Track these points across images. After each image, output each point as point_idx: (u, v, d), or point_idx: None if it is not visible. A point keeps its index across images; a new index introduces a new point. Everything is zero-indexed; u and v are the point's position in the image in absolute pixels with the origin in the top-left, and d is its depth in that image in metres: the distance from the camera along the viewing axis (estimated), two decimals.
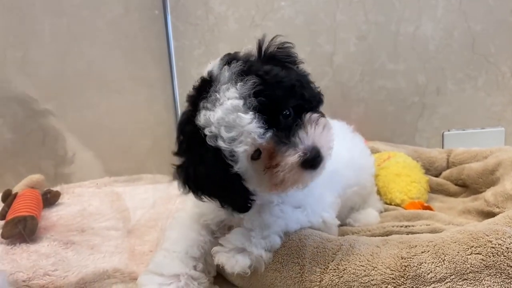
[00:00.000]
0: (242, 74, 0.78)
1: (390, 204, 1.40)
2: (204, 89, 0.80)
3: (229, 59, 0.81)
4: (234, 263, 0.85)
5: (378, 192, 1.42)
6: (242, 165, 0.78)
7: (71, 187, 1.70)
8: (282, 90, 0.79)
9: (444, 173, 1.59)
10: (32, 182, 1.54)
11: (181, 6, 1.86)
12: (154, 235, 1.29)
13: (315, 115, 0.83)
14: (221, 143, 0.76)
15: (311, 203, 0.95)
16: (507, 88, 1.95)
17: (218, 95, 0.77)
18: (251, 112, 0.75)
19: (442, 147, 1.96)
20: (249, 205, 0.84)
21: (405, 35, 1.90)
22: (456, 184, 1.53)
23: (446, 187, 1.53)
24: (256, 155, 0.79)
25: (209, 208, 0.95)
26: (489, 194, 1.24)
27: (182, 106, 1.92)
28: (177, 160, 0.84)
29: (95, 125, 1.91)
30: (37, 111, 1.85)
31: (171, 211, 1.42)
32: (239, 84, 0.76)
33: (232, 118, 0.75)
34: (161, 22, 1.86)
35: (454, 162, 1.60)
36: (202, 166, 0.79)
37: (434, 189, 1.52)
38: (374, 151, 1.62)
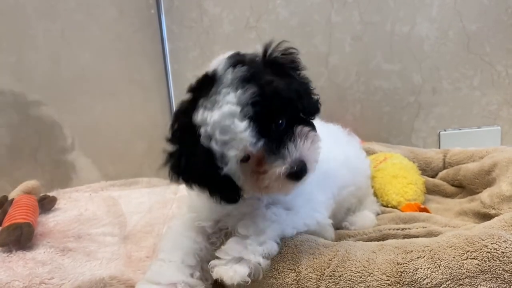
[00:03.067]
0: (244, 81, 0.80)
1: (387, 206, 1.40)
2: (206, 86, 0.81)
3: (235, 61, 0.83)
4: (232, 274, 0.84)
5: (375, 194, 1.42)
6: (231, 167, 0.80)
7: (67, 192, 1.70)
8: (279, 102, 0.81)
9: (441, 174, 1.59)
10: (28, 188, 1.54)
11: (176, 9, 1.86)
12: (151, 241, 1.29)
13: (306, 129, 0.85)
14: (213, 145, 0.78)
15: (302, 204, 0.96)
16: (503, 87, 1.96)
17: (218, 97, 0.79)
18: (246, 121, 0.77)
19: (439, 147, 1.97)
20: (237, 197, 0.86)
21: (400, 35, 1.90)
22: (452, 185, 1.53)
23: (443, 188, 1.53)
24: (245, 158, 0.82)
25: (202, 209, 0.96)
26: (485, 195, 1.24)
27: None
28: (168, 146, 0.85)
29: (90, 128, 1.91)
30: (32, 115, 1.85)
31: (167, 216, 1.42)
32: (239, 91, 0.78)
33: (227, 123, 0.77)
34: (155, 24, 1.86)
35: (451, 163, 1.60)
36: (193, 159, 0.81)
37: (430, 190, 1.52)
38: (370, 152, 1.62)
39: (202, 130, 0.78)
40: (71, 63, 1.85)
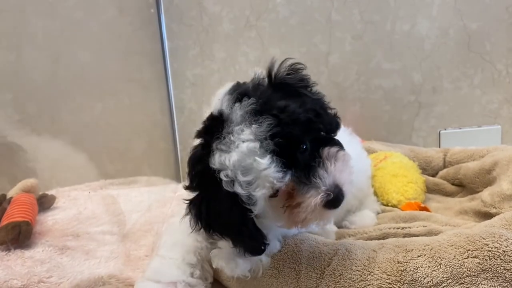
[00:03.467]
0: (256, 113, 0.73)
1: (387, 205, 1.40)
2: (216, 129, 0.75)
3: (239, 94, 0.77)
4: (234, 266, 0.84)
5: (375, 193, 1.42)
6: (260, 207, 0.75)
7: (66, 191, 1.69)
8: (299, 128, 0.75)
9: (441, 173, 1.59)
10: (27, 186, 1.53)
11: (175, 7, 1.85)
12: (150, 239, 1.28)
13: (333, 149, 0.80)
14: (238, 188, 0.72)
15: None
16: (503, 85, 1.95)
17: (232, 137, 0.73)
18: (268, 156, 0.71)
19: (439, 146, 1.96)
20: (262, 247, 0.82)
21: (400, 34, 1.90)
22: (453, 184, 1.52)
23: (443, 186, 1.52)
24: (274, 194, 0.76)
25: None
26: (485, 194, 1.24)
27: (177, 107, 1.91)
28: (189, 195, 0.81)
29: (89, 127, 1.90)
30: (31, 114, 1.84)
31: (166, 215, 1.41)
32: (253, 126, 0.72)
33: (249, 163, 0.71)
34: (155, 23, 1.85)
35: (451, 162, 1.60)
36: (216, 206, 0.77)
37: (431, 189, 1.52)
38: (370, 151, 1.61)
39: (222, 175, 0.72)
40: (70, 61, 1.84)
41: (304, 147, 0.76)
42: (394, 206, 1.39)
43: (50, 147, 1.88)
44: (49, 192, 1.59)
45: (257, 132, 0.72)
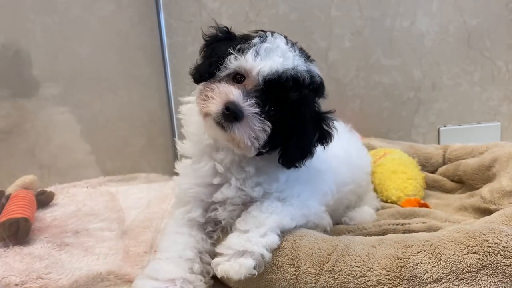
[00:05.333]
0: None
1: (386, 202, 1.40)
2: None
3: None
4: (238, 268, 0.83)
5: (374, 190, 1.42)
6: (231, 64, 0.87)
7: (65, 188, 1.69)
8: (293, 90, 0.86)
9: (440, 169, 1.59)
10: (25, 183, 1.53)
11: (174, 3, 1.84)
12: (149, 236, 1.28)
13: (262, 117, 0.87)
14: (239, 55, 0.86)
15: (294, 195, 0.96)
16: (503, 82, 1.95)
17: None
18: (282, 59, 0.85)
19: (438, 143, 1.96)
20: (199, 78, 0.92)
21: (400, 30, 1.89)
22: (452, 180, 1.52)
23: (442, 183, 1.52)
24: (235, 74, 0.88)
25: (188, 199, 0.97)
26: (485, 190, 1.24)
27: (176, 103, 1.90)
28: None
29: (88, 124, 1.89)
30: (30, 110, 1.83)
31: (165, 211, 1.41)
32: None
33: (270, 46, 0.86)
34: (154, 19, 1.84)
35: (450, 158, 1.60)
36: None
37: (430, 186, 1.52)
38: (369, 147, 1.61)
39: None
40: (69, 57, 1.83)
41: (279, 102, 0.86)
42: (393, 202, 1.39)
43: (48, 144, 1.87)
44: (48, 189, 1.59)
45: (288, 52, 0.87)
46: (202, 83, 0.91)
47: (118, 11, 1.83)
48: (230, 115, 0.82)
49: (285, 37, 0.92)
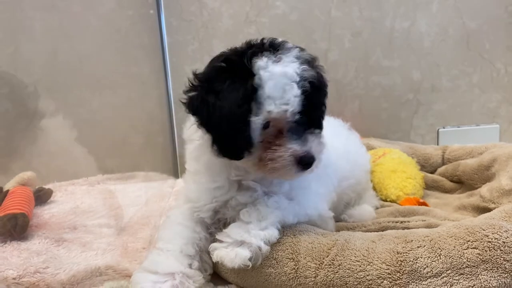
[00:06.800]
0: (306, 61, 0.85)
1: (386, 201, 1.40)
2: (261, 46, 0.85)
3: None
4: (233, 256, 0.83)
5: (374, 189, 1.42)
6: (260, 121, 0.81)
7: (63, 185, 1.69)
8: (322, 96, 0.90)
9: (440, 170, 1.59)
10: (23, 180, 1.52)
11: (175, 2, 1.84)
12: (147, 232, 1.27)
13: (317, 130, 0.90)
14: (261, 92, 0.79)
15: (302, 196, 0.96)
16: (502, 84, 1.95)
17: (283, 55, 0.82)
18: (300, 90, 0.81)
19: (437, 144, 1.96)
20: (242, 155, 0.85)
21: (400, 31, 1.90)
22: (451, 181, 1.52)
23: (442, 183, 1.52)
24: (267, 124, 0.83)
25: (200, 198, 0.95)
26: (484, 189, 1.24)
27: (175, 102, 1.90)
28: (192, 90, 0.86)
29: (87, 122, 1.89)
30: (29, 107, 1.83)
31: (164, 209, 1.41)
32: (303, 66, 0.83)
33: (285, 82, 0.80)
34: (154, 17, 1.84)
35: (450, 159, 1.60)
36: (225, 97, 0.80)
37: (429, 186, 1.52)
38: (369, 147, 1.61)
39: (260, 73, 0.79)
40: (69, 55, 1.83)
41: (317, 115, 0.87)
42: (392, 201, 1.39)
43: (47, 141, 1.87)
44: (47, 186, 1.58)
45: (303, 71, 0.82)
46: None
47: (118, 9, 1.83)
48: (307, 165, 0.85)
49: (283, 43, 0.87)
